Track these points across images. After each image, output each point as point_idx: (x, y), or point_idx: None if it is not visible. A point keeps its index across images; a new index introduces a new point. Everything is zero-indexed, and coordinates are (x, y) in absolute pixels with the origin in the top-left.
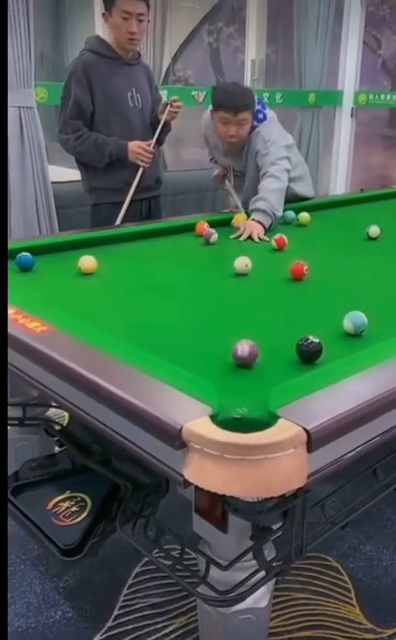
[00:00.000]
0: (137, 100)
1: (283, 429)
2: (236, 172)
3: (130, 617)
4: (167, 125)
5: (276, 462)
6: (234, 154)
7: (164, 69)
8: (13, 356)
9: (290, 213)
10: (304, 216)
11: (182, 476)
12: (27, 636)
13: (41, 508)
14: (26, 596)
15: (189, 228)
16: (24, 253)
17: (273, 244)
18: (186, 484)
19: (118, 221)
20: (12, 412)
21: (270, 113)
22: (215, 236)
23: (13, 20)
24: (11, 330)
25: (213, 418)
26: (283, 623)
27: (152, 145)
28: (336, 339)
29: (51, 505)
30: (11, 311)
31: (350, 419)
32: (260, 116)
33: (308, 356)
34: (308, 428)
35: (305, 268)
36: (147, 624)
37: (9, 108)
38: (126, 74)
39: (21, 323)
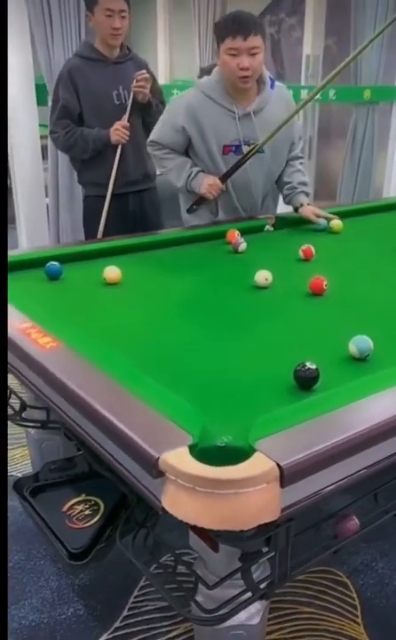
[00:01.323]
0: (123, 96)
1: (256, 464)
2: (248, 150)
3: (138, 619)
4: (144, 105)
5: (247, 497)
6: (260, 114)
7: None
8: (24, 370)
9: (323, 221)
10: (337, 223)
11: (160, 502)
12: (39, 630)
13: (57, 509)
14: (42, 591)
15: (222, 235)
16: (52, 262)
17: (300, 254)
18: (164, 511)
19: (104, 214)
20: (37, 414)
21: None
22: (243, 246)
23: (65, 27)
24: (24, 345)
25: (192, 448)
26: (286, 637)
27: (125, 119)
28: (341, 362)
29: (66, 507)
30: (26, 325)
31: (329, 454)
32: (272, 83)
33: (304, 382)
34: (282, 463)
35: (325, 283)
36: (153, 627)
37: None
38: (112, 73)
39: (34, 338)
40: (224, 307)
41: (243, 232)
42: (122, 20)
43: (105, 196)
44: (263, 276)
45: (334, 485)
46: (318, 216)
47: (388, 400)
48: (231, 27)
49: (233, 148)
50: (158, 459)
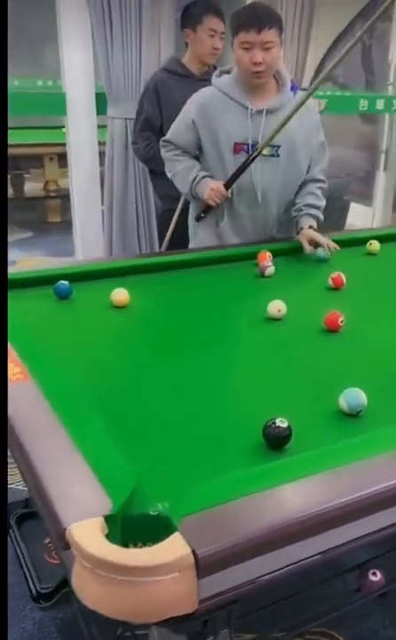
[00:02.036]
0: None
1: (167, 550)
2: (265, 153)
3: None
4: None
5: (155, 586)
6: (275, 114)
7: (309, 69)
8: None
9: (321, 250)
10: (374, 244)
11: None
12: None
13: (39, 540)
14: (24, 621)
15: (254, 256)
16: (62, 281)
17: (330, 282)
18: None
19: (171, 227)
20: None
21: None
22: (271, 269)
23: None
24: None
25: (108, 519)
26: None
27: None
28: (329, 417)
29: (48, 539)
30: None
31: (264, 540)
32: (295, 89)
33: (272, 441)
34: (199, 551)
35: (341, 319)
36: None
37: (117, 119)
38: (196, 90)
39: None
40: (224, 340)
41: (278, 253)
42: (221, 41)
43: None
44: (275, 307)
45: (278, 573)
46: (314, 243)
47: (362, 473)
48: (245, 19)
49: (246, 148)
50: (65, 529)
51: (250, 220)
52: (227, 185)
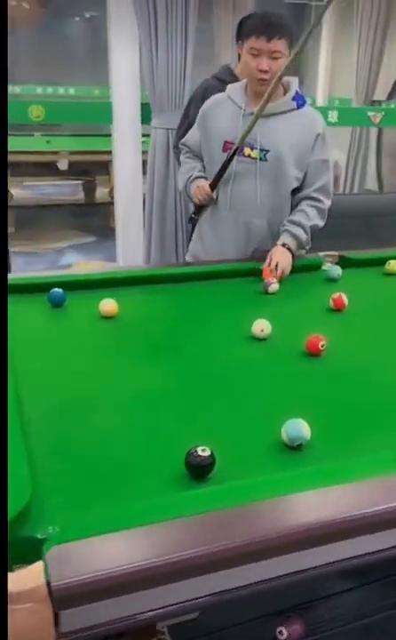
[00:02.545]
0: None
1: (25, 577)
2: (252, 155)
3: None
4: None
5: (11, 614)
6: (270, 118)
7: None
8: None
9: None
10: (392, 265)
11: None
12: None
13: None
14: None
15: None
16: (55, 289)
17: (330, 303)
18: None
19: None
20: None
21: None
22: (274, 286)
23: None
24: None
25: None
26: None
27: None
28: (270, 448)
29: None
30: None
31: (129, 579)
32: (300, 101)
33: (193, 470)
34: (53, 583)
35: (322, 343)
36: None
37: (160, 129)
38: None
39: None
40: (195, 358)
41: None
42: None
43: None
44: (258, 327)
45: (160, 611)
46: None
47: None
48: (256, 26)
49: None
50: None
51: (231, 225)
52: (212, 184)
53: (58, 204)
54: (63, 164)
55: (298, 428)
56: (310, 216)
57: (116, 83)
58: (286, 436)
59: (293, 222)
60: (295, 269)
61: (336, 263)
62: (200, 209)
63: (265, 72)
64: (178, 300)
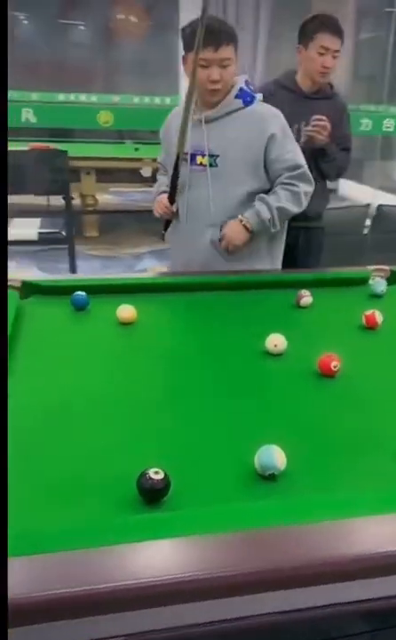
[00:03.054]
0: (302, 132)
1: None
2: (203, 162)
3: None
4: (320, 148)
5: None
6: (215, 122)
7: None
8: None
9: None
10: None
11: None
12: None
13: None
14: None
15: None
16: (78, 292)
17: (363, 320)
18: None
19: None
20: None
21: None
22: (306, 300)
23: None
24: None
25: None
26: None
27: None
28: (244, 477)
29: None
30: None
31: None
32: (247, 98)
33: (145, 494)
34: None
35: (335, 364)
36: None
37: None
38: (300, 107)
39: None
40: (201, 374)
41: (328, 283)
42: (333, 60)
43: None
44: (272, 342)
45: None
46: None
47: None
48: (204, 36)
49: (187, 157)
50: None
51: (190, 236)
52: (170, 197)
53: (141, 210)
54: (146, 172)
55: (271, 455)
56: (280, 197)
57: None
58: (258, 463)
59: (259, 199)
60: (338, 282)
61: (387, 279)
62: (167, 223)
63: (217, 82)
64: (203, 309)
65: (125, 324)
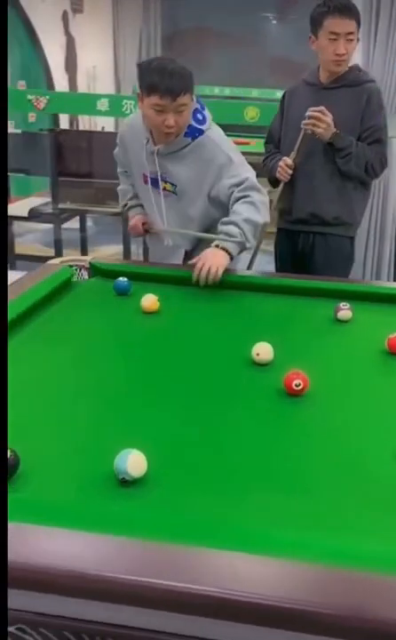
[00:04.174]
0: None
1: None
2: (167, 188)
3: None
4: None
5: None
6: (168, 157)
7: None
8: None
9: None
10: None
11: None
12: None
13: None
14: None
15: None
16: (121, 278)
17: (386, 345)
18: None
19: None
20: None
21: (208, 114)
22: (344, 313)
23: None
24: None
25: None
26: None
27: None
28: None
29: None
30: None
31: None
32: (199, 116)
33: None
34: None
35: (297, 382)
36: None
37: None
38: (317, 99)
39: None
40: (176, 375)
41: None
42: (348, 44)
43: (284, 228)
44: (255, 350)
45: None
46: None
47: None
48: (158, 85)
49: (150, 180)
50: None
51: (167, 250)
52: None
53: None
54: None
55: (125, 460)
56: (239, 211)
57: None
58: (115, 466)
59: (222, 222)
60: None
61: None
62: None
63: (172, 127)
64: (238, 309)
65: (147, 313)
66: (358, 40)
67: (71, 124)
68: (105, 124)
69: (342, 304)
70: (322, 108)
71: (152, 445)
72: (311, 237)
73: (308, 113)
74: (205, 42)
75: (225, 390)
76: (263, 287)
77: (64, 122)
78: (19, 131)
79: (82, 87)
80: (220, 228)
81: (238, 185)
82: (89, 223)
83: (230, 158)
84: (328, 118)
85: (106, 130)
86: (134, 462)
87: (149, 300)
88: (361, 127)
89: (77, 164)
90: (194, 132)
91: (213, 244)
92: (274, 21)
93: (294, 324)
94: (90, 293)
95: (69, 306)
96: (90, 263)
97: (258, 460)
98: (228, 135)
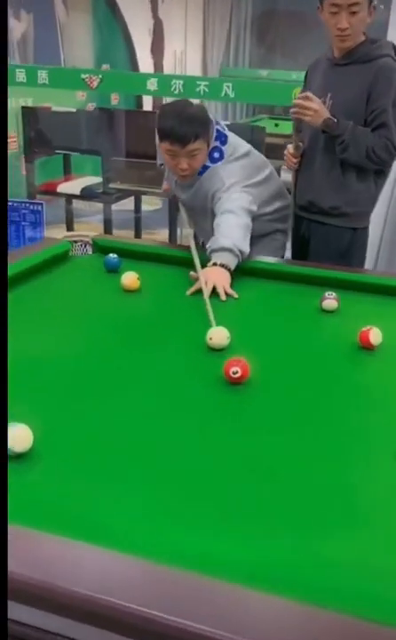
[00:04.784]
0: (327, 106)
1: None
2: (186, 205)
3: None
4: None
5: None
6: (184, 186)
7: None
8: None
9: None
10: None
11: None
12: None
13: None
14: None
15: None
16: (111, 255)
17: (358, 339)
18: None
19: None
20: None
21: (230, 140)
22: (329, 303)
23: None
24: None
25: None
26: None
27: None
28: None
29: None
30: None
31: None
32: (216, 155)
33: None
34: None
35: (234, 370)
36: None
37: None
38: (327, 77)
39: None
40: (124, 355)
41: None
42: (351, 17)
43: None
44: (209, 334)
45: None
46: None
47: None
48: (170, 132)
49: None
50: None
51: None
52: None
53: None
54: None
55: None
56: (221, 224)
57: None
58: None
59: (211, 241)
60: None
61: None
62: None
63: (186, 170)
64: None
65: (127, 291)
66: (373, 9)
67: (154, 105)
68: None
69: (327, 293)
70: (307, 93)
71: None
72: (310, 225)
73: (294, 102)
74: (297, 25)
75: (171, 373)
76: (252, 271)
77: (147, 104)
78: (73, 109)
79: (168, 71)
80: (211, 242)
81: (221, 192)
82: (149, 207)
83: (224, 183)
84: (314, 104)
85: None
86: (17, 437)
87: (129, 279)
88: (367, 109)
89: (135, 144)
90: (205, 170)
91: (211, 263)
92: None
93: (275, 311)
94: (81, 268)
95: (55, 279)
96: (92, 239)
97: (157, 447)
98: None
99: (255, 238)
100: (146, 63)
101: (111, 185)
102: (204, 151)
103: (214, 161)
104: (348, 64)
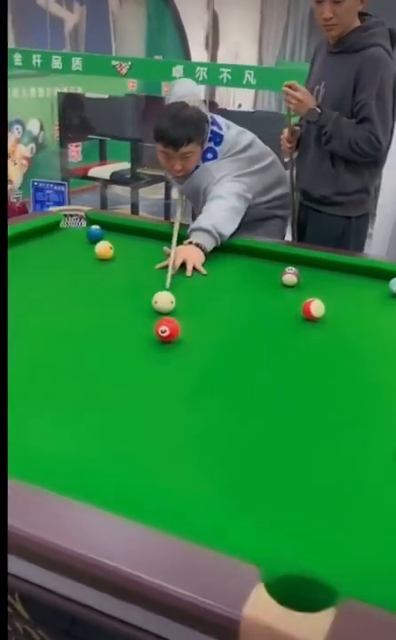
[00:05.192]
0: (319, 95)
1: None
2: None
3: None
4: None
5: None
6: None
7: None
8: None
9: None
10: None
11: None
12: None
13: None
14: None
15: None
16: (94, 227)
17: (302, 311)
18: None
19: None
20: None
21: (226, 138)
22: (288, 277)
23: None
24: None
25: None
26: None
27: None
28: None
29: None
30: None
31: None
32: (209, 155)
33: None
34: None
35: (162, 329)
36: None
37: None
38: (326, 63)
39: None
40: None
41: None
42: (335, 7)
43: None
44: (154, 299)
45: None
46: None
47: None
48: (163, 135)
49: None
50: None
51: None
52: None
53: None
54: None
55: None
56: (208, 209)
57: None
58: None
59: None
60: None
61: None
62: None
63: (180, 170)
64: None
65: (101, 260)
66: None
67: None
68: (243, 100)
69: (288, 268)
70: (293, 82)
71: None
72: (308, 212)
73: (282, 87)
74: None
75: (113, 332)
76: (230, 248)
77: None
78: (106, 96)
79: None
80: (194, 223)
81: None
82: None
83: (214, 177)
84: (299, 94)
85: (243, 109)
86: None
87: (102, 248)
88: (353, 100)
89: None
90: (197, 169)
91: (187, 241)
92: None
93: (237, 285)
94: (67, 239)
95: (42, 246)
96: (85, 213)
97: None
98: None
99: (251, 222)
100: (200, 56)
101: (139, 170)
102: (197, 153)
103: (206, 161)
104: (339, 52)
